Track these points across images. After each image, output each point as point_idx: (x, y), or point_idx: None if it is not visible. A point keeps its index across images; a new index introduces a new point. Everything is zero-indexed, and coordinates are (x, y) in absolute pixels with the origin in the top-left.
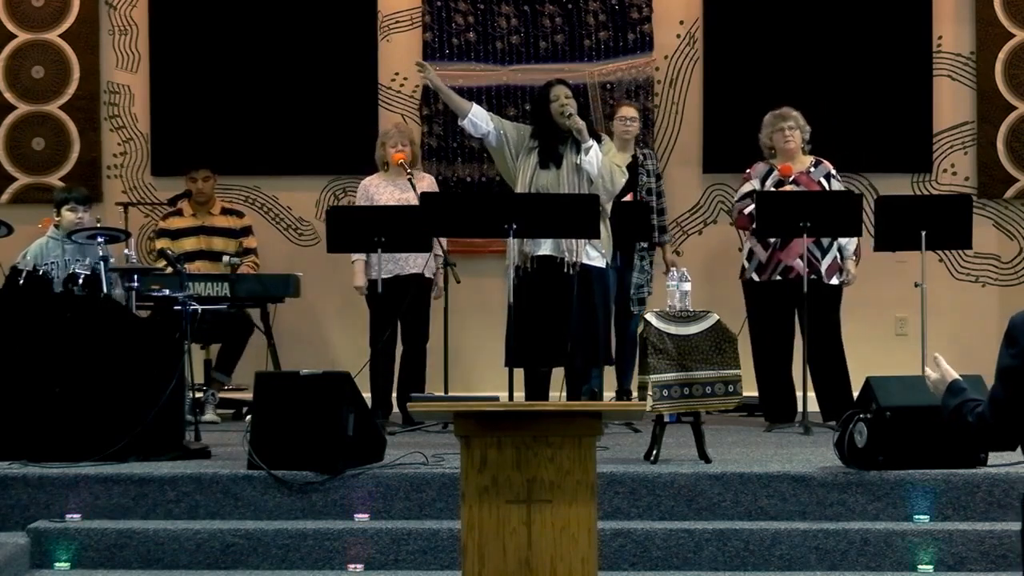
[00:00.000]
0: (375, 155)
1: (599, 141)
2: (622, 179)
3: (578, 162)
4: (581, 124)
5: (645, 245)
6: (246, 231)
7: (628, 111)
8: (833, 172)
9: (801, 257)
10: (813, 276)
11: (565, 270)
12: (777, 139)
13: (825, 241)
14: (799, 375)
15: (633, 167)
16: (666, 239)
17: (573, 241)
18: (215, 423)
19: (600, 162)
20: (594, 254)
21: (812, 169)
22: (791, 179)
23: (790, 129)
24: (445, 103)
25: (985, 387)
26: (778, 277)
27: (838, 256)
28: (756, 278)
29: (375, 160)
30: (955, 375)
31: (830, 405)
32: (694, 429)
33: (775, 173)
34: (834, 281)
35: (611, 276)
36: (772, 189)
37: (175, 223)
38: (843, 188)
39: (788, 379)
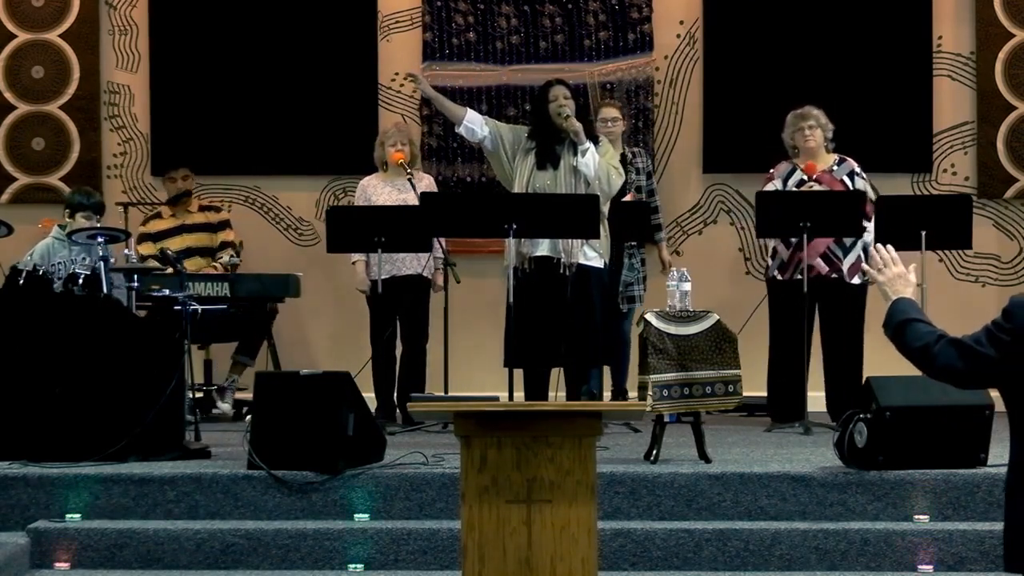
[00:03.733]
0: (374, 155)
1: (597, 142)
2: (619, 181)
3: (575, 163)
4: (578, 126)
5: (634, 243)
6: (224, 225)
7: (609, 112)
8: (857, 170)
9: (822, 256)
10: (834, 275)
11: (562, 271)
12: (798, 138)
13: (848, 240)
14: (814, 376)
15: (623, 165)
16: (661, 237)
17: (570, 242)
18: (226, 416)
19: (597, 164)
20: (592, 254)
21: (835, 167)
22: (814, 177)
23: (810, 128)
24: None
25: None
26: (799, 276)
27: (862, 255)
28: (778, 276)
29: (374, 160)
30: (910, 286)
31: (839, 407)
32: (694, 429)
33: (798, 172)
34: (856, 280)
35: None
36: (795, 188)
37: (156, 226)
38: (867, 186)
39: (800, 380)
